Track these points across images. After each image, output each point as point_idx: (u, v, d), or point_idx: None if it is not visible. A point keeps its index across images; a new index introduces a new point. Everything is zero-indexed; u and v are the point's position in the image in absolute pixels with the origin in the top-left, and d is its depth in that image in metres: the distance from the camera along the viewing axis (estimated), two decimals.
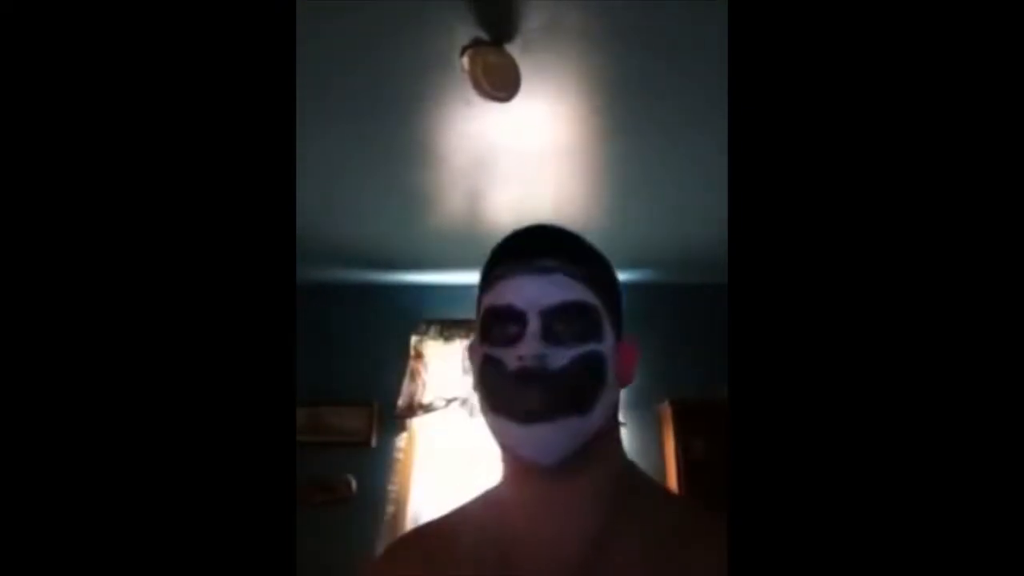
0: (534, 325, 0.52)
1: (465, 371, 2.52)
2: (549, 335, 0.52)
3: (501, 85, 1.38)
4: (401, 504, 2.38)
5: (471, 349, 0.61)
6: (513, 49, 1.36)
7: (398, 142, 1.74)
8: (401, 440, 2.51)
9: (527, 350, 0.51)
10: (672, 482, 2.33)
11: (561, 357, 0.52)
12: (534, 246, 0.56)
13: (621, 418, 2.38)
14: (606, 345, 0.55)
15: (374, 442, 2.50)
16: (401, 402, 2.50)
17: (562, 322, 0.53)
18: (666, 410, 2.41)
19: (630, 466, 0.61)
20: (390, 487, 2.43)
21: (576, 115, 1.63)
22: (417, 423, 2.52)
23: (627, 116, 1.62)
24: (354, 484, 2.42)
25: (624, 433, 2.41)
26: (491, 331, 0.55)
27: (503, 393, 0.52)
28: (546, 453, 0.51)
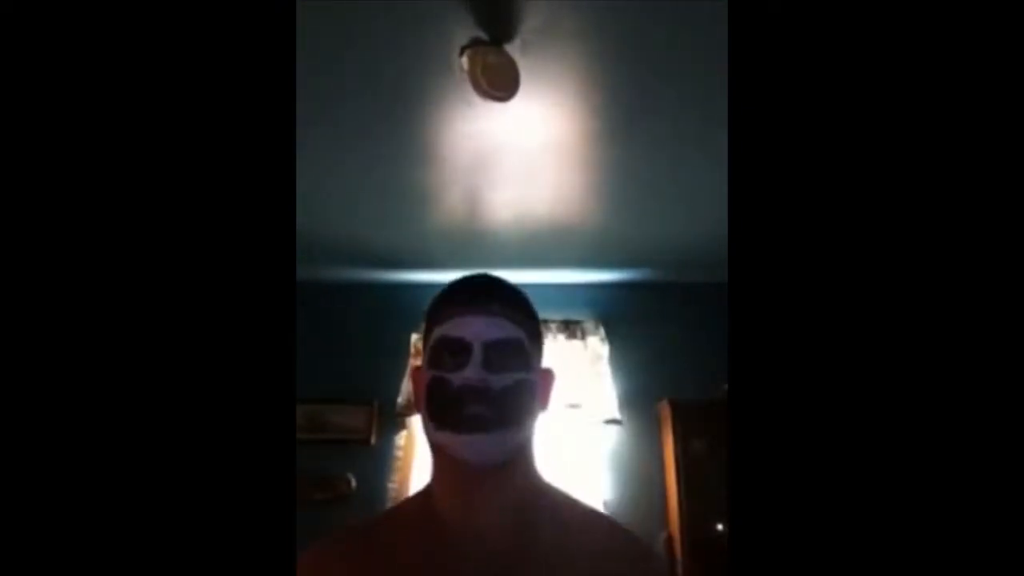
0: (478, 355, 0.64)
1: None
2: (489, 363, 0.64)
3: (500, 85, 1.38)
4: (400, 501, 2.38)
5: (416, 372, 0.73)
6: (512, 49, 1.36)
7: (398, 142, 1.74)
8: (401, 438, 2.51)
9: (472, 373, 0.63)
10: (671, 480, 2.34)
11: (500, 381, 0.64)
12: (481, 292, 0.69)
13: (618, 416, 2.35)
14: (531, 373, 0.68)
15: (374, 440, 2.50)
16: (401, 400, 2.50)
17: (501, 354, 0.65)
18: (665, 409, 2.41)
19: (537, 473, 0.72)
20: (390, 485, 2.43)
21: (575, 115, 1.63)
22: (417, 421, 2.52)
23: (626, 116, 1.62)
24: (354, 482, 2.42)
25: (623, 432, 2.38)
26: (441, 357, 0.66)
27: (449, 407, 0.63)
28: (483, 456, 0.63)
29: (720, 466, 2.25)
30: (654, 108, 1.59)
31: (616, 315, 2.66)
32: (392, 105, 1.57)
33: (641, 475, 2.43)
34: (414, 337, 2.59)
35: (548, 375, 0.74)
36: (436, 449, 0.67)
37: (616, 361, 2.57)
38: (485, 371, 0.63)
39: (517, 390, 0.65)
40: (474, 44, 1.34)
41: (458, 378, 0.63)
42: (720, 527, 2.19)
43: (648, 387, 2.52)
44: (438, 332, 0.68)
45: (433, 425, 0.65)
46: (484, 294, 0.69)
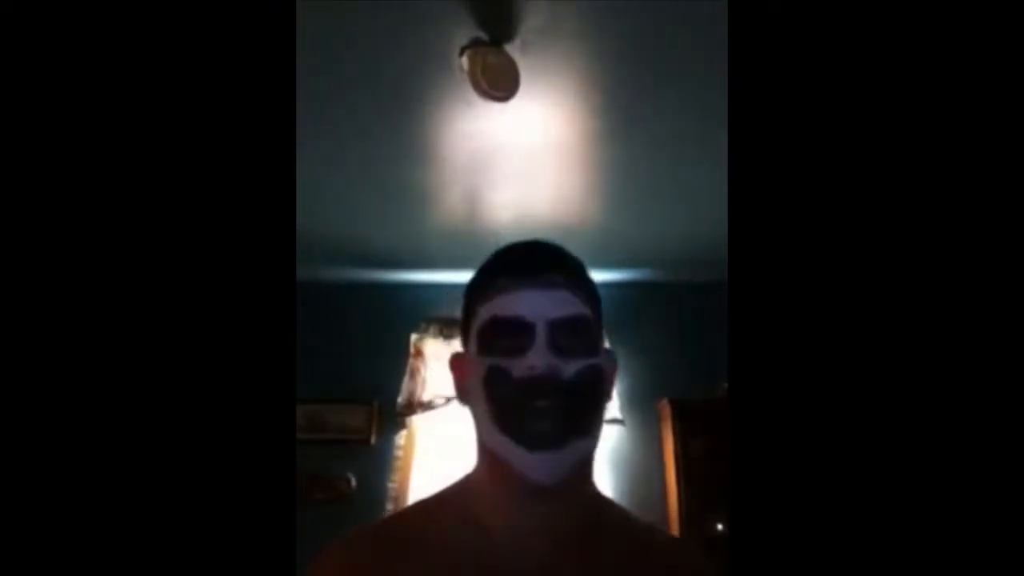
0: (542, 336, 0.52)
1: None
2: (556, 347, 0.52)
3: (500, 85, 1.38)
4: (400, 501, 2.39)
5: (458, 359, 0.61)
6: (512, 49, 1.36)
7: (398, 142, 1.74)
8: (401, 438, 2.51)
9: (537, 360, 0.51)
10: (671, 480, 2.34)
11: (569, 368, 0.52)
12: (540, 261, 0.57)
13: (620, 416, 2.34)
14: (602, 359, 0.57)
15: (374, 440, 2.50)
16: (401, 400, 2.50)
17: (568, 335, 0.53)
18: (666, 408, 2.41)
19: (595, 485, 0.62)
20: (390, 484, 2.43)
21: (575, 115, 1.63)
22: (417, 421, 2.52)
23: (626, 115, 1.62)
24: (354, 481, 2.42)
25: (624, 431, 2.38)
26: (495, 342, 0.54)
27: (512, 405, 0.52)
28: (550, 475, 0.51)
29: (720, 466, 2.25)
30: (654, 108, 1.59)
31: (616, 315, 2.65)
32: (392, 105, 1.57)
33: (641, 475, 2.43)
34: (413, 337, 2.59)
35: (612, 361, 0.61)
36: (489, 452, 0.56)
37: (617, 360, 2.56)
38: (552, 355, 0.52)
39: (589, 379, 0.54)
40: (474, 44, 1.34)
41: (521, 366, 0.52)
42: (720, 527, 2.19)
43: (648, 387, 2.51)
44: (486, 311, 0.56)
45: (495, 427, 0.53)
46: (544, 263, 0.57)
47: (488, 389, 0.54)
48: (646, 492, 2.39)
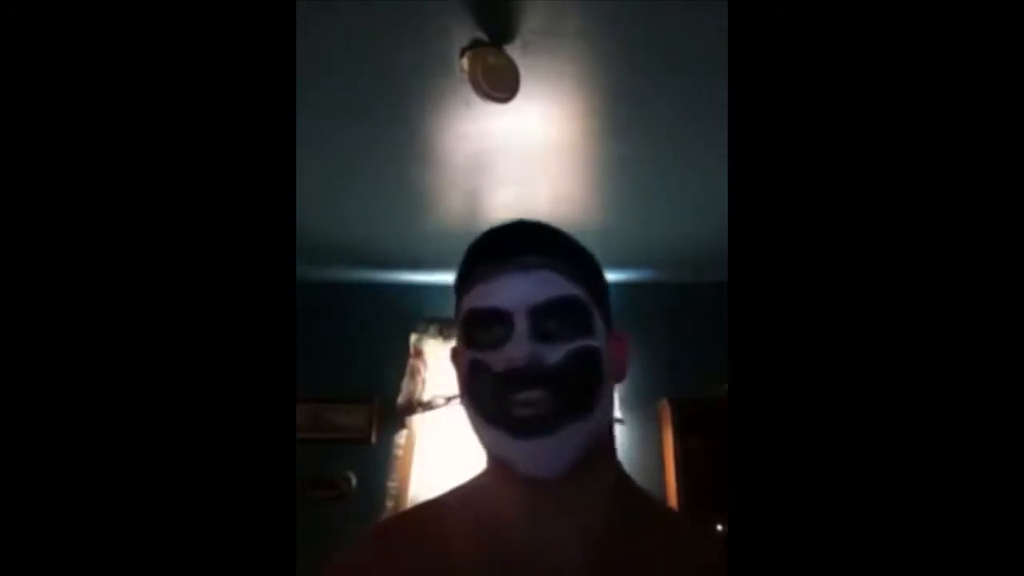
0: (522, 325, 0.49)
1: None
2: (538, 334, 0.49)
3: (500, 86, 1.38)
4: (400, 500, 2.39)
5: (455, 354, 0.58)
6: (512, 50, 1.36)
7: (398, 142, 1.74)
8: (401, 437, 2.51)
9: (517, 351, 0.48)
10: (671, 480, 2.34)
11: (554, 354, 0.49)
12: (514, 242, 0.53)
13: (619, 416, 2.35)
14: (599, 339, 0.52)
15: (374, 439, 2.50)
16: (401, 400, 2.50)
17: (551, 319, 0.50)
18: (665, 408, 2.41)
19: (622, 472, 0.58)
20: (390, 484, 2.43)
21: (575, 116, 1.63)
22: (417, 421, 2.52)
23: (626, 116, 1.62)
24: (354, 480, 2.43)
25: (623, 431, 2.39)
26: (475, 335, 0.52)
27: (493, 399, 0.49)
28: (547, 467, 0.48)
29: (720, 466, 2.24)
30: (654, 109, 1.59)
31: (616, 314, 2.65)
32: (392, 106, 1.57)
33: (641, 474, 2.41)
34: (413, 337, 2.59)
35: (621, 340, 0.58)
36: (486, 446, 0.53)
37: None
38: (534, 344, 0.49)
39: (580, 363, 0.49)
40: (474, 45, 1.34)
41: (500, 359, 0.49)
42: (720, 527, 2.19)
43: (648, 386, 2.51)
44: (468, 302, 0.53)
45: (481, 421, 0.51)
46: (522, 244, 0.53)
47: (471, 385, 0.52)
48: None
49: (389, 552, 0.54)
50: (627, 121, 1.64)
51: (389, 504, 2.38)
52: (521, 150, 1.78)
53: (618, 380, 0.56)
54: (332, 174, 1.92)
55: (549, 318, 0.50)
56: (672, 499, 2.32)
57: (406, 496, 2.41)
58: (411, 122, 1.64)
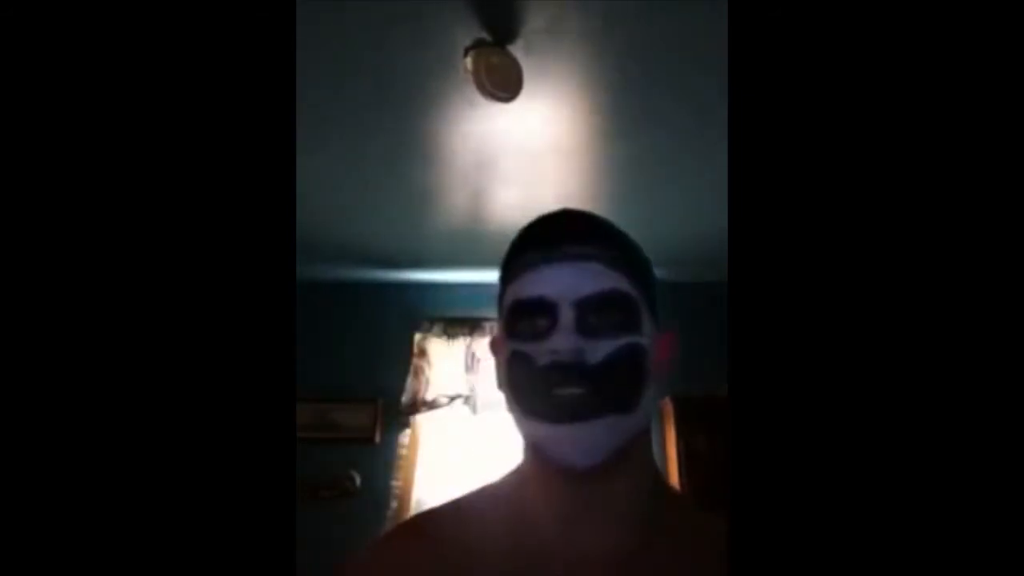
0: (567, 317, 0.48)
1: (468, 368, 2.52)
2: (584, 328, 0.48)
3: (504, 85, 1.38)
4: (404, 500, 2.39)
5: (495, 343, 0.57)
6: (516, 50, 1.36)
7: (402, 142, 1.74)
8: (405, 436, 2.52)
9: (561, 343, 0.47)
10: (674, 478, 2.34)
11: (599, 350, 0.48)
12: (564, 232, 0.52)
13: None
14: (646, 337, 0.51)
15: (378, 438, 2.51)
16: (405, 399, 2.51)
17: (598, 314, 0.49)
18: (668, 405, 2.41)
19: (657, 472, 0.57)
20: (394, 483, 2.43)
21: (578, 115, 1.63)
22: (421, 420, 2.52)
23: (629, 116, 1.62)
24: (358, 480, 2.43)
25: None
26: (518, 325, 0.51)
27: (535, 391, 0.48)
28: (585, 455, 0.47)
29: (722, 463, 2.24)
30: (657, 108, 1.59)
31: None
32: (396, 105, 1.57)
33: None
34: (417, 336, 2.59)
35: (668, 339, 0.56)
36: (525, 438, 0.52)
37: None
38: (579, 337, 0.48)
39: (624, 360, 0.49)
40: (478, 45, 1.35)
41: (543, 351, 0.48)
42: None
43: None
44: (513, 292, 0.52)
45: (520, 411, 0.50)
46: (569, 234, 0.52)
47: (511, 376, 0.51)
48: None
49: (412, 550, 0.53)
50: (629, 120, 1.65)
51: (393, 503, 2.38)
52: (524, 149, 1.79)
53: (661, 380, 0.54)
54: (337, 174, 1.92)
55: (596, 312, 0.49)
56: None
57: (410, 495, 2.42)
58: (414, 121, 1.64)
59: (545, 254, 0.51)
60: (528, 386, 0.49)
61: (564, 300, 0.49)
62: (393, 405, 2.52)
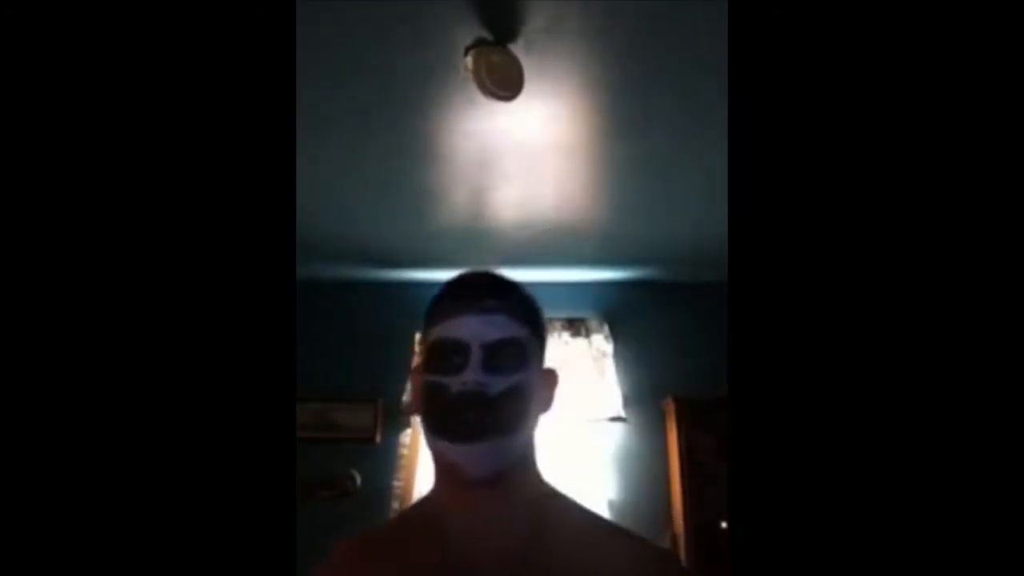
0: (477, 356, 0.61)
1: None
2: (488, 366, 0.61)
3: (505, 85, 1.38)
4: (405, 499, 2.39)
5: (414, 374, 0.69)
6: (517, 49, 1.36)
7: (402, 141, 1.74)
8: (405, 436, 2.52)
9: (471, 377, 0.60)
10: (675, 477, 2.34)
11: (498, 384, 0.61)
12: (483, 290, 0.66)
13: (623, 414, 2.34)
14: (532, 374, 0.65)
15: (378, 438, 2.51)
16: (406, 399, 2.51)
17: (499, 355, 0.62)
18: (670, 406, 2.41)
19: (542, 479, 0.69)
20: (394, 483, 2.44)
21: (579, 114, 1.63)
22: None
23: (630, 115, 1.62)
24: (358, 479, 2.43)
25: (628, 429, 2.38)
26: (438, 360, 0.63)
27: (447, 414, 0.61)
28: (480, 468, 0.60)
29: (725, 463, 2.24)
30: (658, 107, 1.59)
31: (620, 313, 2.66)
32: (396, 104, 1.57)
33: (645, 472, 2.43)
34: (417, 336, 2.59)
35: (550, 376, 0.70)
36: (436, 456, 0.65)
37: (620, 359, 2.57)
38: (484, 373, 0.61)
39: (515, 393, 0.62)
40: (479, 44, 1.34)
41: (456, 383, 0.61)
42: (724, 525, 2.19)
43: (652, 385, 2.52)
44: (435, 333, 0.65)
45: (431, 432, 0.64)
46: (482, 291, 0.66)
47: (427, 401, 0.64)
48: (650, 489, 2.40)
49: (357, 559, 0.65)
50: (630, 119, 1.65)
51: (395, 503, 2.38)
52: (525, 148, 1.78)
53: (544, 410, 0.68)
54: (338, 173, 1.92)
55: (498, 354, 0.62)
56: (677, 496, 2.32)
57: (411, 495, 2.42)
58: (415, 120, 1.64)
59: (464, 306, 0.64)
60: (442, 410, 0.62)
61: (475, 342, 0.62)
62: (393, 405, 2.52)
